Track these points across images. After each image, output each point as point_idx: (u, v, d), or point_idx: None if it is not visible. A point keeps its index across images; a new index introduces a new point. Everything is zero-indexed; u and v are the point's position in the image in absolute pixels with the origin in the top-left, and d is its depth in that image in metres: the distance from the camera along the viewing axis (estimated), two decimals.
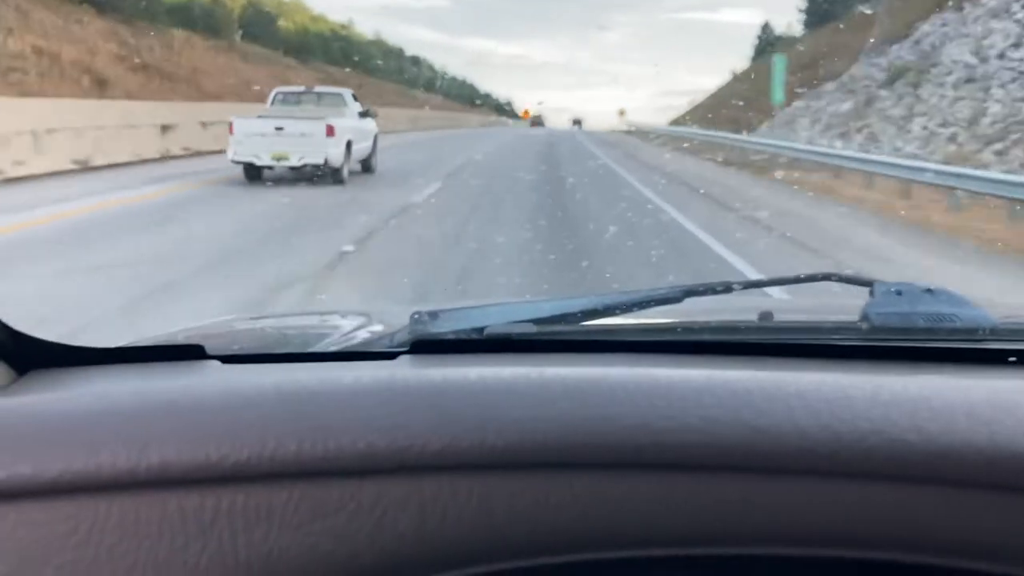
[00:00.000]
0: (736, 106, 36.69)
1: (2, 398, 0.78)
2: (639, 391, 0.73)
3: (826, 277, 1.14)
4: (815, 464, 0.69)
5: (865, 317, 1.04)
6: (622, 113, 75.12)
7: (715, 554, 0.73)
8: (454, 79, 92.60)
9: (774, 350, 1.03)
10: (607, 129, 58.20)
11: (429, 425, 0.69)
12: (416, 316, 1.05)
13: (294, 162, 14.39)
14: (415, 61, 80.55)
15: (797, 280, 1.19)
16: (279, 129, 14.45)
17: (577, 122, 73.19)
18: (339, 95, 17.24)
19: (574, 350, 1.04)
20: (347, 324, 1.16)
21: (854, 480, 0.69)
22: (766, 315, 1.12)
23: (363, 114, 16.98)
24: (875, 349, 1.01)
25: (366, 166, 16.71)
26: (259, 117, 15.23)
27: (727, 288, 1.13)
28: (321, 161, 14.31)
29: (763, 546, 0.73)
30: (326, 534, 0.67)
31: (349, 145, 15.10)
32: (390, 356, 1.01)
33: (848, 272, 1.13)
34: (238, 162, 14.48)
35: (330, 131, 14.40)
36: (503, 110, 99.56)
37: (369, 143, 16.74)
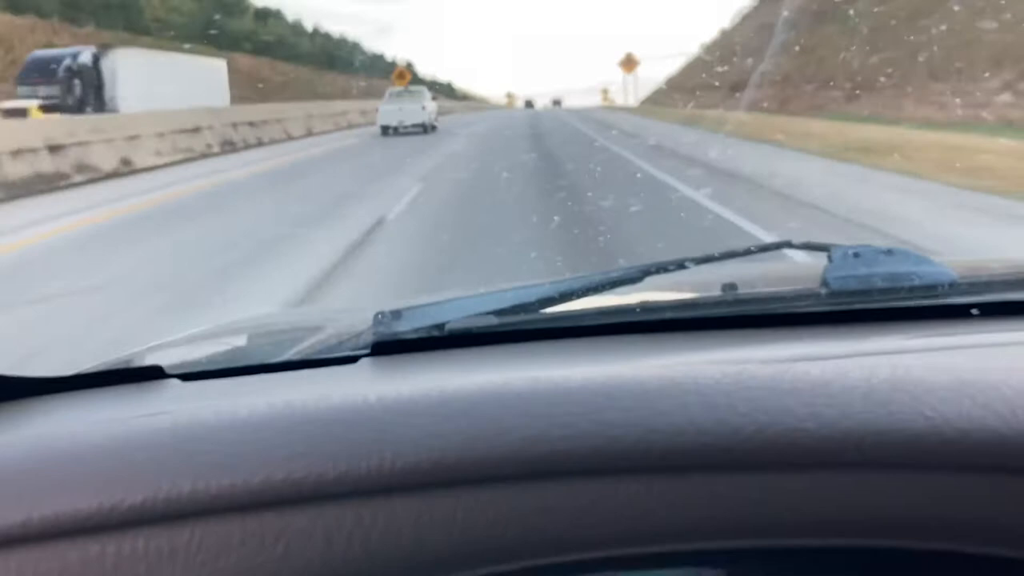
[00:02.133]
0: None
1: None
2: (537, 400, 0.71)
3: (782, 246, 1.14)
4: (715, 460, 0.68)
5: (824, 282, 1.03)
6: (605, 93, 74.43)
7: (626, 555, 0.72)
8: (376, 56, 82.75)
9: (735, 322, 1.03)
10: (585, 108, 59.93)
11: (327, 453, 0.68)
12: (379, 316, 1.04)
13: (407, 124, 28.01)
14: (316, 35, 73.00)
15: (752, 251, 1.19)
16: (400, 108, 28.36)
17: (556, 102, 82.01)
18: (421, 91, 30.90)
19: (536, 339, 1.04)
20: (312, 330, 1.15)
21: (757, 472, 0.68)
22: (728, 287, 1.11)
23: (432, 98, 31.36)
24: (835, 314, 1.01)
25: (431, 127, 29.28)
26: (387, 103, 29.09)
27: (681, 265, 1.12)
28: (420, 122, 28.17)
29: (673, 543, 0.71)
30: (231, 571, 0.66)
31: (428, 115, 29.02)
32: (351, 360, 1.00)
33: (803, 240, 1.13)
34: (383, 126, 28.20)
35: (425, 108, 28.76)
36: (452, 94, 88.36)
37: (435, 114, 30.29)
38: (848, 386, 0.70)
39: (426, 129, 28.18)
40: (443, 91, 77.67)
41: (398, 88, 32.56)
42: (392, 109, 28.34)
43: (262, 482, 0.67)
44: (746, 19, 51.88)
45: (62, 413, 0.90)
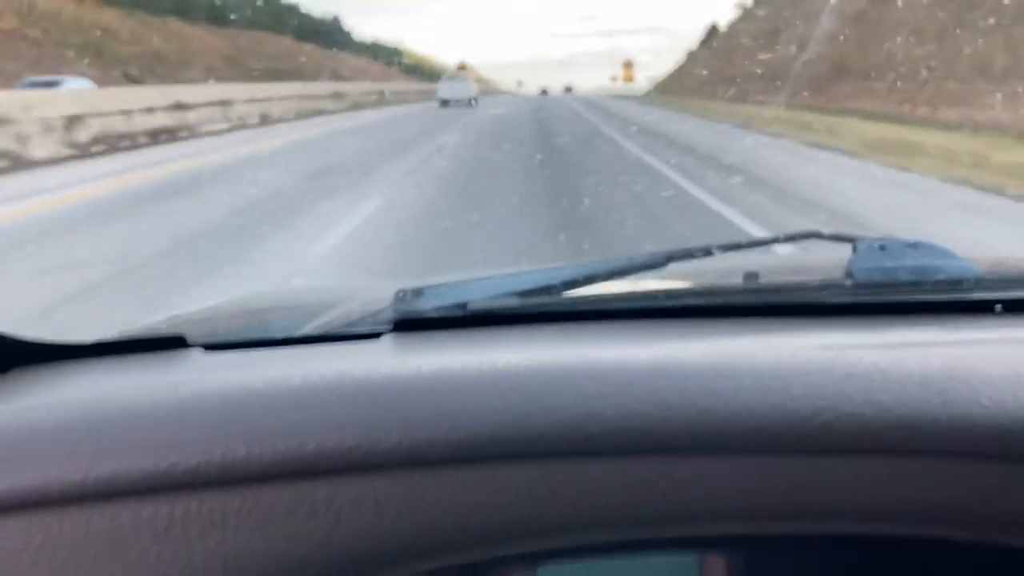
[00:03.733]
0: None
1: None
2: (588, 378, 0.72)
3: (808, 236, 1.13)
4: (770, 443, 0.68)
5: (849, 273, 1.02)
6: (628, 68, 71.52)
7: (677, 536, 0.72)
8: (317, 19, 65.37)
9: (758, 311, 1.02)
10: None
11: (378, 423, 0.69)
12: (400, 294, 1.05)
13: (459, 98, 40.97)
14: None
15: (779, 240, 1.18)
16: (452, 88, 42.26)
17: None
18: (467, 77, 44.75)
19: (558, 321, 1.04)
20: (332, 305, 1.16)
21: (812, 456, 0.68)
22: (751, 275, 1.10)
23: (476, 81, 49.68)
24: (860, 306, 1.00)
25: (475, 101, 42.31)
26: (444, 83, 43.45)
27: (707, 252, 1.11)
28: (468, 97, 41.29)
29: (722, 525, 0.72)
30: (281, 536, 0.67)
31: (471, 93, 42.37)
32: (374, 336, 1.01)
33: (831, 231, 1.11)
34: (441, 99, 41.22)
35: (471, 88, 42.97)
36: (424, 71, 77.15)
37: (476, 93, 43.78)
38: (904, 373, 0.70)
39: (470, 102, 42.30)
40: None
41: (452, 73, 52.38)
42: (447, 87, 43.94)
43: (315, 450, 0.68)
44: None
45: (93, 378, 0.91)
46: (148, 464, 0.67)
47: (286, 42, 53.08)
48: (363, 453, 0.68)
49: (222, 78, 34.80)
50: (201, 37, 44.96)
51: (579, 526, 0.70)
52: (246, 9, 52.86)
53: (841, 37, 30.45)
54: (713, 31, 65.41)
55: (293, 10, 61.29)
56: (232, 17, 50.87)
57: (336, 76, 51.18)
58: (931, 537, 0.72)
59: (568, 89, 79.69)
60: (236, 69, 42.93)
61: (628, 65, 74.83)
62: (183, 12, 46.28)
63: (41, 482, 0.67)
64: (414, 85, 67.19)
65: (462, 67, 60.25)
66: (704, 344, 0.90)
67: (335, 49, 60.63)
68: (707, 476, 0.69)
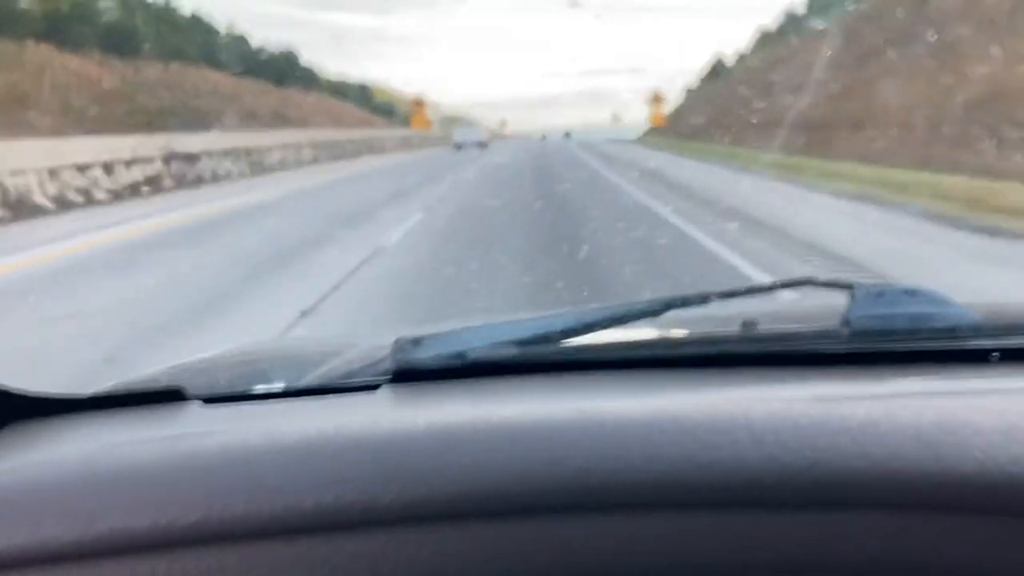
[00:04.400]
0: None
1: None
2: (587, 431, 0.72)
3: (804, 283, 1.13)
4: (763, 496, 0.68)
5: (846, 322, 1.02)
6: (658, 103, 60.71)
7: None
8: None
9: (755, 360, 1.02)
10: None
11: (376, 478, 0.69)
12: (398, 344, 1.05)
13: (473, 142, 50.00)
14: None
15: (775, 287, 1.18)
16: (467, 133, 54.58)
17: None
18: (480, 124, 68.73)
19: (557, 370, 1.04)
20: (331, 355, 1.16)
21: (805, 510, 0.68)
22: (748, 323, 1.11)
23: (485, 129, 66.17)
24: (856, 355, 1.00)
25: (486, 145, 50.34)
26: (460, 130, 56.85)
27: (705, 299, 1.12)
28: (481, 140, 51.51)
29: None
30: None
31: (484, 138, 53.84)
32: (372, 388, 1.01)
33: (827, 277, 1.12)
34: (456, 144, 50.58)
35: (484, 133, 56.85)
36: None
37: (488, 138, 55.60)
38: (897, 426, 0.70)
39: (482, 146, 48.57)
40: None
41: (467, 121, 62.47)
42: (462, 133, 53.64)
43: (314, 507, 0.67)
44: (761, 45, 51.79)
45: (90, 433, 0.91)
46: (147, 522, 0.67)
47: (212, 75, 40.92)
48: (362, 509, 0.67)
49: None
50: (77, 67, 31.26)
51: None
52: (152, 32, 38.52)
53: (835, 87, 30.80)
54: (715, 71, 64.13)
55: (238, 41, 50.02)
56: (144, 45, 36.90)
57: (280, 117, 41.12)
58: None
59: (567, 135, 79.12)
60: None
61: (658, 99, 61.28)
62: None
63: (38, 540, 0.67)
64: (389, 131, 58.35)
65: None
66: (700, 395, 0.90)
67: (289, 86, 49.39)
68: (702, 531, 0.69)
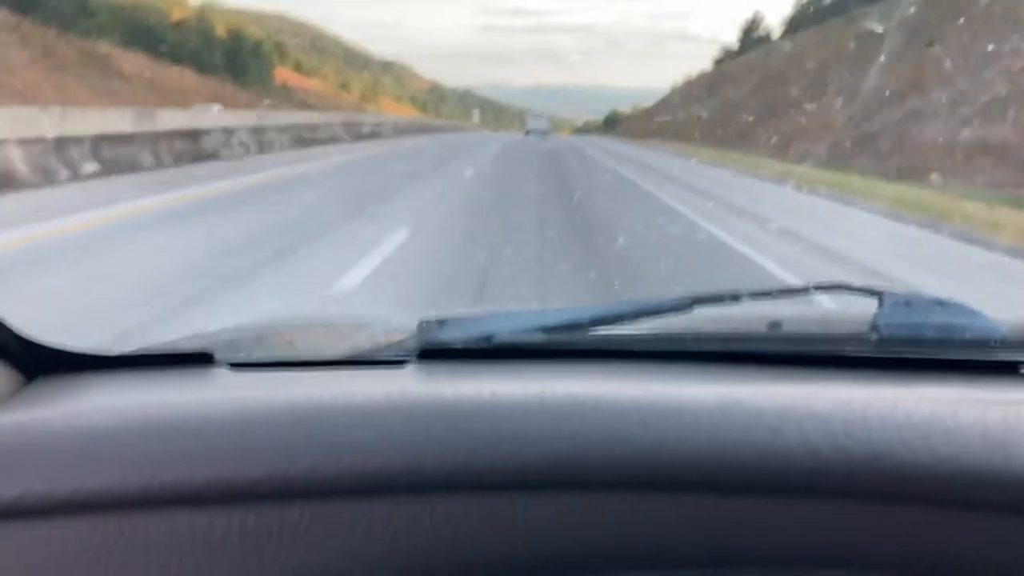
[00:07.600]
0: None
1: (11, 410, 0.78)
2: (653, 411, 0.72)
3: (837, 288, 1.13)
4: (829, 485, 0.69)
5: (875, 327, 1.03)
6: None
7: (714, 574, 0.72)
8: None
9: (783, 360, 1.03)
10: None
11: (443, 444, 0.69)
12: (424, 324, 1.04)
13: (539, 131, 56.08)
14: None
15: (806, 290, 1.18)
16: (535, 123, 60.53)
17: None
18: (544, 116, 69.87)
19: (582, 358, 1.04)
20: (355, 331, 1.16)
21: (868, 502, 0.69)
22: (775, 324, 1.11)
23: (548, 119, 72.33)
24: (885, 360, 1.01)
25: (550, 132, 61.57)
26: (530, 120, 64.29)
27: (735, 297, 1.12)
28: (544, 130, 58.37)
29: (777, 568, 0.72)
30: (338, 553, 0.67)
31: (547, 127, 62.36)
32: (398, 363, 1.01)
33: (858, 283, 1.12)
34: (527, 131, 57.93)
35: (546, 125, 62.89)
36: None
37: (550, 127, 66.48)
38: (964, 425, 0.71)
39: (546, 133, 55.03)
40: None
41: (535, 113, 70.62)
42: (531, 123, 59.76)
43: (379, 468, 0.67)
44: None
45: (119, 390, 0.90)
46: (211, 473, 0.67)
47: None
48: (426, 474, 0.68)
49: None
50: None
51: (635, 558, 0.70)
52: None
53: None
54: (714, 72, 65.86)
55: None
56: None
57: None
58: None
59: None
60: None
61: None
62: None
63: (104, 486, 0.67)
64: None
65: (536, 115, 71.11)
66: (722, 388, 0.91)
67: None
68: (770, 516, 0.69)
